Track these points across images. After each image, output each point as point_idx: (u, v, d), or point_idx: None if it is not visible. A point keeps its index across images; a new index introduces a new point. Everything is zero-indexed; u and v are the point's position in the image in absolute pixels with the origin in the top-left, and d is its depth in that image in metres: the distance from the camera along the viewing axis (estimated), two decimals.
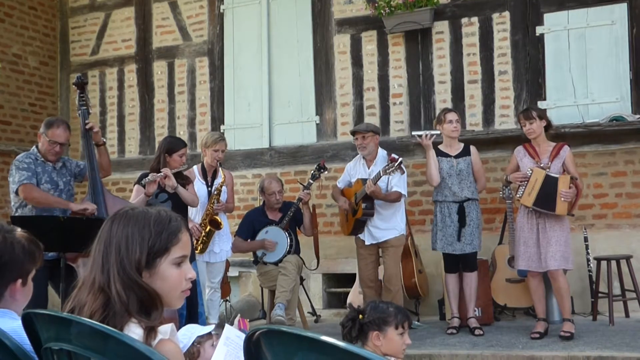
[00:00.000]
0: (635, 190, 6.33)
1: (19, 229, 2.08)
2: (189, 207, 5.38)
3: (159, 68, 8.34)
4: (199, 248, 5.61)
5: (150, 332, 1.59)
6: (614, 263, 5.82)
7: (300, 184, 6.61)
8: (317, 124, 7.55)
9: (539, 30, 6.69)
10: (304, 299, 6.64)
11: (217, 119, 7.99)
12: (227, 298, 6.69)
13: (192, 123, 8.13)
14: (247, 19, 7.90)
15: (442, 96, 7.03)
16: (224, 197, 5.81)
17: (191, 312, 4.94)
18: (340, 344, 1.29)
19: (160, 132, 8.19)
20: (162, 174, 5.04)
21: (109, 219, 1.71)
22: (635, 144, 6.31)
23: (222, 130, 7.80)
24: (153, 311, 1.63)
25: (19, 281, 1.99)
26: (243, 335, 2.40)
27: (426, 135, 5.63)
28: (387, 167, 5.39)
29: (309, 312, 6.70)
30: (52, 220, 4.37)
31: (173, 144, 5.31)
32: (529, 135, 5.36)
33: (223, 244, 5.85)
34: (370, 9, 7.11)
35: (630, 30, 6.39)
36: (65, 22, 8.85)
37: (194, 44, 8.16)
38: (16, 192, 4.73)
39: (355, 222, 5.81)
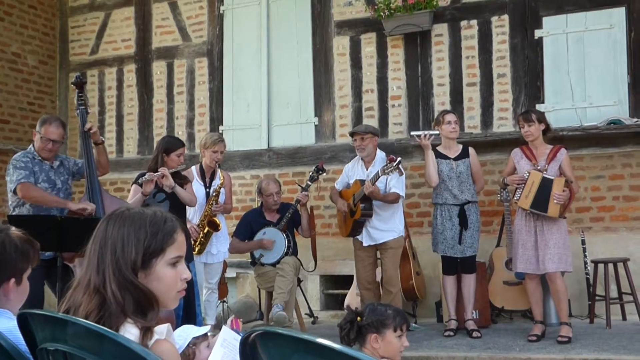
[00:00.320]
0: (632, 193, 6.34)
1: (13, 228, 2.08)
2: (187, 207, 5.38)
3: (158, 68, 8.33)
4: (196, 249, 5.60)
5: (146, 332, 1.58)
6: (611, 266, 5.82)
7: (299, 185, 6.61)
8: (315, 126, 7.55)
9: (537, 33, 6.70)
10: (302, 300, 6.63)
11: (216, 120, 7.99)
12: (225, 299, 6.69)
13: (190, 123, 8.13)
14: (246, 20, 7.90)
15: (441, 98, 7.04)
16: (222, 198, 5.81)
17: (188, 312, 4.93)
18: (337, 346, 1.29)
19: (159, 132, 8.19)
20: (159, 173, 5.03)
21: (104, 219, 1.71)
22: (632, 147, 6.32)
23: (220, 131, 7.80)
24: (149, 311, 1.63)
25: (12, 280, 1.99)
26: (239, 337, 2.40)
27: (425, 136, 5.63)
28: (385, 167, 5.38)
29: (306, 314, 6.69)
30: (49, 220, 4.37)
31: (171, 144, 5.30)
32: (527, 137, 5.37)
33: (220, 245, 5.85)
34: (369, 11, 7.12)
35: (628, 34, 6.40)
36: (65, 21, 8.84)
37: (193, 45, 8.16)
38: (14, 191, 4.72)
39: (354, 223, 5.80)
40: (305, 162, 7.42)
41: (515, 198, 5.33)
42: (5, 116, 8.12)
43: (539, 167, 5.28)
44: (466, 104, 6.94)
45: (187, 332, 2.78)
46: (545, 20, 6.69)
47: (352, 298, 6.29)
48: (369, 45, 7.36)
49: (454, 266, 5.72)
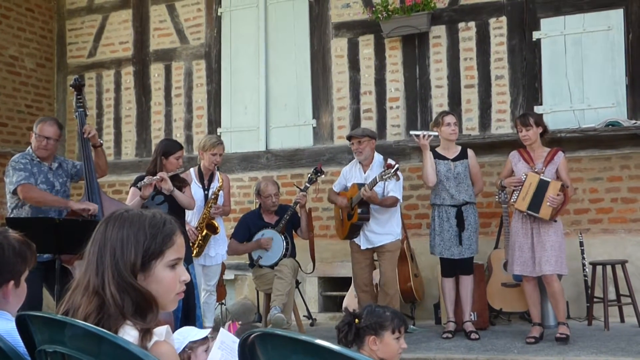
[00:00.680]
0: (630, 195, 6.35)
1: (10, 231, 2.08)
2: (185, 209, 5.38)
3: (156, 70, 8.33)
4: (195, 252, 5.60)
5: (145, 334, 1.58)
6: (609, 268, 5.82)
7: (297, 187, 6.61)
8: (313, 128, 7.55)
9: (535, 35, 6.71)
10: (300, 302, 6.63)
11: (214, 122, 7.99)
12: (223, 301, 6.68)
13: (188, 126, 8.13)
14: (244, 22, 7.90)
15: (439, 100, 7.04)
16: (220, 200, 5.81)
17: (188, 314, 4.92)
18: (335, 347, 1.29)
19: (157, 134, 8.19)
20: (158, 177, 5.03)
21: (104, 221, 1.71)
22: (630, 149, 6.33)
23: (218, 133, 7.80)
24: (148, 313, 1.63)
25: (11, 283, 1.99)
26: (238, 340, 2.40)
27: (424, 136, 5.63)
28: (383, 173, 5.39)
29: (304, 316, 6.69)
30: (47, 222, 4.37)
31: (169, 147, 5.30)
32: (524, 141, 5.38)
33: (219, 248, 5.84)
34: (367, 13, 7.12)
35: (626, 35, 6.41)
36: (63, 24, 8.84)
37: (191, 47, 8.16)
38: (13, 193, 4.72)
39: (351, 226, 5.81)
40: (304, 164, 7.42)
41: (512, 200, 5.34)
42: (3, 119, 8.12)
43: (536, 170, 5.29)
44: (464, 106, 6.94)
45: (185, 336, 2.77)
46: (543, 22, 6.70)
47: (351, 300, 6.29)
48: (366, 47, 7.37)
49: (453, 268, 5.71)
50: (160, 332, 1.61)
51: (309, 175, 6.30)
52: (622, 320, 5.93)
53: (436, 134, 5.70)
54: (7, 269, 1.99)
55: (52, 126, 4.84)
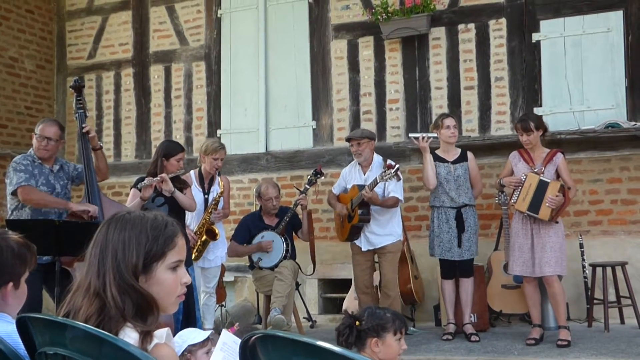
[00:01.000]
0: (630, 196, 6.35)
1: (10, 232, 2.08)
2: (186, 211, 5.37)
3: (156, 72, 8.33)
4: (194, 256, 5.60)
5: (145, 336, 1.58)
6: (609, 269, 5.82)
7: (297, 188, 6.61)
8: (313, 129, 7.55)
9: (535, 37, 6.71)
10: (300, 304, 6.62)
11: (214, 124, 7.99)
12: (223, 303, 6.67)
13: (188, 127, 8.13)
14: (244, 23, 7.90)
15: (439, 102, 7.05)
16: (220, 205, 5.81)
17: (188, 317, 4.92)
18: (337, 349, 1.29)
19: (157, 136, 8.19)
20: (158, 178, 5.03)
21: (105, 222, 1.71)
22: (630, 150, 6.33)
23: (218, 135, 7.80)
24: (149, 316, 1.63)
25: (10, 284, 1.99)
26: (239, 341, 2.40)
27: (423, 138, 5.64)
28: (383, 174, 5.39)
29: (304, 318, 6.69)
30: (47, 224, 4.36)
31: (171, 149, 5.30)
32: (526, 145, 5.39)
33: (218, 250, 5.84)
34: (367, 15, 7.13)
35: (625, 37, 6.41)
36: (62, 25, 8.84)
37: (190, 49, 8.17)
38: (13, 194, 4.72)
39: (352, 228, 5.80)
40: (303, 165, 7.42)
41: (512, 200, 5.34)
42: (3, 121, 8.12)
43: (535, 170, 5.29)
44: (464, 108, 6.95)
45: (185, 339, 2.77)
46: (543, 23, 6.71)
47: (351, 302, 6.29)
48: (366, 49, 7.37)
49: (452, 270, 5.72)
50: (161, 334, 1.61)
51: (309, 177, 6.30)
52: (622, 321, 5.93)
53: (435, 135, 5.70)
54: (5, 270, 1.99)
55: (53, 126, 4.85)
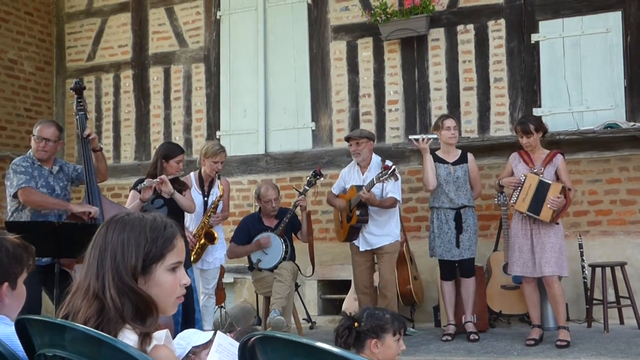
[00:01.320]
0: (629, 197, 6.35)
1: (6, 233, 2.08)
2: (185, 213, 5.38)
3: (155, 74, 8.33)
4: (192, 258, 5.60)
5: (144, 338, 1.58)
6: (608, 270, 5.82)
7: (296, 190, 6.61)
8: (312, 130, 7.55)
9: (534, 37, 6.72)
10: (299, 305, 6.62)
11: (213, 125, 7.99)
12: (222, 304, 6.67)
13: (188, 129, 8.13)
14: (243, 25, 7.91)
15: (438, 103, 7.05)
16: (219, 209, 5.80)
17: (187, 318, 4.93)
18: (336, 350, 1.29)
19: (156, 137, 8.19)
20: (158, 180, 5.03)
21: (104, 224, 1.71)
22: (629, 150, 6.33)
23: (217, 136, 7.81)
24: (148, 317, 1.63)
25: (5, 284, 1.98)
26: (236, 343, 2.39)
27: (423, 139, 5.64)
28: (380, 174, 5.40)
29: (304, 319, 6.68)
30: (46, 226, 4.36)
31: (170, 150, 5.30)
32: (526, 148, 5.39)
33: (217, 252, 5.84)
34: (366, 16, 7.13)
35: (624, 38, 6.42)
36: (62, 27, 8.85)
37: (190, 50, 8.17)
38: (13, 196, 4.72)
39: (350, 228, 5.81)
40: (303, 167, 7.42)
41: (512, 201, 5.34)
42: (3, 123, 8.12)
43: (535, 170, 5.30)
44: (463, 108, 6.95)
45: (188, 341, 2.76)
46: (542, 24, 6.71)
47: (350, 303, 6.29)
48: (365, 50, 7.37)
49: (452, 271, 5.72)
50: (160, 336, 1.61)
51: (308, 178, 6.30)
52: (622, 322, 5.93)
53: (435, 136, 5.71)
54: (0, 270, 1.99)
55: (50, 127, 4.84)
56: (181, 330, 2.94)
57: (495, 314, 6.18)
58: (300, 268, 6.18)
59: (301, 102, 7.62)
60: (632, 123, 6.25)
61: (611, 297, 5.88)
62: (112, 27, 8.56)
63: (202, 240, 5.67)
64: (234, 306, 7.29)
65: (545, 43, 6.70)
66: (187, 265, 4.99)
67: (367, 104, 7.35)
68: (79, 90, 4.98)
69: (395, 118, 7.22)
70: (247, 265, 6.39)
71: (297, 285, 6.23)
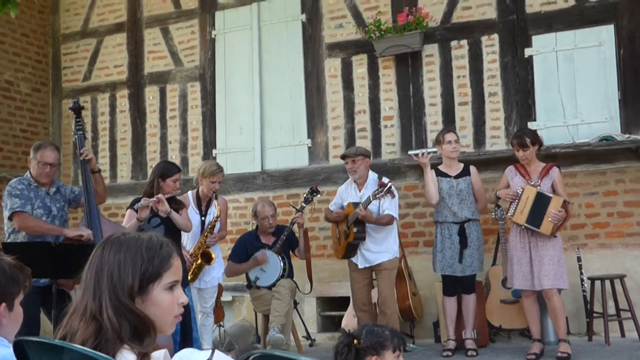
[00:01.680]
0: (626, 209, 6.36)
1: (3, 255, 2.07)
2: (182, 232, 5.36)
3: (151, 93, 8.36)
4: (189, 278, 5.57)
5: (143, 358, 1.57)
6: (608, 283, 5.81)
7: (293, 207, 6.60)
8: (309, 147, 7.56)
9: (527, 52, 6.76)
10: (298, 322, 6.59)
11: (209, 143, 8.00)
12: (221, 323, 6.64)
13: (184, 147, 8.14)
14: (238, 44, 7.94)
15: (433, 118, 7.07)
16: (216, 229, 5.79)
17: (185, 337, 4.89)
18: None
19: (152, 156, 8.19)
20: (154, 199, 5.02)
21: (100, 244, 1.70)
22: (625, 163, 6.35)
23: (214, 154, 7.81)
24: (146, 337, 1.62)
25: (3, 305, 1.97)
26: None
27: (422, 154, 5.66)
28: (376, 192, 5.41)
29: (303, 336, 6.65)
30: (44, 246, 4.35)
31: (167, 169, 5.30)
32: (522, 161, 5.41)
33: (214, 271, 5.83)
34: (360, 33, 7.17)
35: (617, 50, 6.46)
36: (57, 48, 8.88)
37: (185, 69, 8.20)
38: (9, 218, 4.70)
39: (348, 245, 5.80)
40: (299, 184, 7.42)
41: (509, 214, 5.35)
42: None
43: (532, 183, 5.31)
44: (458, 123, 6.97)
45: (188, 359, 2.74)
46: (535, 38, 6.75)
47: (349, 320, 6.26)
48: (360, 67, 7.41)
49: (454, 286, 5.70)
50: (158, 356, 1.60)
51: (305, 195, 6.30)
52: (623, 335, 5.91)
53: (435, 150, 5.73)
54: None
55: (53, 152, 4.83)
56: (179, 350, 2.92)
57: (495, 328, 6.16)
58: (298, 285, 6.15)
59: (297, 119, 7.63)
60: (627, 135, 6.27)
61: (611, 310, 5.87)
62: (107, 47, 8.60)
63: (199, 261, 5.65)
64: (233, 324, 7.25)
65: (538, 57, 6.74)
66: (185, 284, 4.97)
67: (362, 120, 7.37)
68: (77, 109, 4.98)
69: (391, 134, 7.24)
70: (245, 283, 6.36)
71: (295, 303, 6.21)
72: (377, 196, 5.39)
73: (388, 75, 7.28)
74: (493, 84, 6.88)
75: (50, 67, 8.88)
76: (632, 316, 5.70)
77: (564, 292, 5.47)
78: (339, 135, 7.45)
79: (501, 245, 5.98)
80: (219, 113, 7.99)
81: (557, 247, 5.26)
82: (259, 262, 6.01)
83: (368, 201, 5.52)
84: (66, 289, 4.40)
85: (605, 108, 6.47)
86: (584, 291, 6.06)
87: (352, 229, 5.71)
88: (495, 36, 6.89)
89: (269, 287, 5.96)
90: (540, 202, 5.18)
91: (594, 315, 5.86)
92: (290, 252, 6.24)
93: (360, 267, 5.81)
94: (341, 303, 6.82)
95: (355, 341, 2.82)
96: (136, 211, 5.04)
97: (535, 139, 5.43)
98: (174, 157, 8.04)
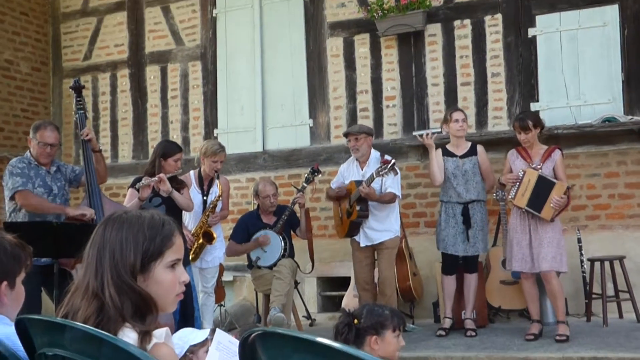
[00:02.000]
0: (628, 191, 6.35)
1: (4, 233, 2.07)
2: (183, 212, 5.37)
3: (152, 73, 8.32)
4: (190, 257, 5.59)
5: (144, 336, 1.58)
6: (607, 264, 5.82)
7: (294, 187, 6.61)
8: (310, 127, 7.54)
9: (531, 32, 6.71)
10: (299, 302, 6.62)
11: (211, 123, 7.98)
12: (222, 303, 6.67)
13: (185, 127, 8.12)
14: (239, 23, 7.89)
15: (435, 98, 7.04)
16: (218, 207, 5.80)
17: (185, 316, 4.92)
18: (337, 345, 1.28)
19: (154, 136, 8.18)
20: (156, 178, 5.02)
21: (102, 223, 1.70)
22: (627, 144, 6.33)
23: (215, 134, 7.79)
24: (148, 315, 1.62)
25: (4, 283, 1.98)
26: (235, 341, 2.39)
27: (427, 135, 5.65)
28: (380, 169, 5.40)
29: (303, 316, 6.69)
30: (45, 226, 4.35)
31: (168, 149, 5.30)
32: (524, 144, 5.39)
33: (215, 251, 5.84)
34: (362, 12, 7.12)
35: (621, 31, 6.41)
36: (57, 27, 8.82)
37: (186, 49, 8.15)
38: (10, 198, 4.71)
39: (351, 224, 5.81)
40: (301, 164, 7.41)
41: (510, 196, 5.34)
42: (0, 124, 8.10)
43: (533, 166, 5.30)
44: (461, 104, 6.93)
45: (185, 340, 2.76)
46: (539, 18, 6.71)
47: (350, 299, 6.29)
48: (362, 46, 7.36)
49: (454, 265, 5.72)
50: (160, 334, 1.60)
51: (306, 175, 6.30)
52: (621, 316, 5.94)
53: (439, 130, 5.73)
54: None
55: (53, 132, 4.82)
56: (179, 329, 2.94)
57: (494, 309, 6.18)
58: (299, 265, 6.18)
59: (298, 99, 7.61)
60: (630, 117, 6.25)
61: (610, 291, 5.88)
62: (108, 26, 8.54)
63: (201, 240, 5.66)
64: (234, 304, 7.29)
65: (542, 37, 6.70)
66: (186, 263, 4.99)
67: (364, 100, 7.34)
68: (78, 89, 4.97)
69: (392, 114, 7.22)
70: (246, 263, 6.38)
71: (296, 283, 6.23)
72: (380, 173, 5.38)
73: (390, 55, 7.24)
74: (496, 64, 6.84)
75: (50, 46, 8.83)
76: (630, 297, 5.72)
77: (564, 273, 5.48)
78: (341, 115, 7.42)
79: (502, 227, 5.98)
80: (220, 93, 7.96)
81: (557, 229, 5.26)
82: (261, 243, 6.02)
83: (371, 178, 5.51)
84: (67, 269, 4.41)
85: (609, 89, 6.44)
86: (583, 272, 6.08)
87: (355, 207, 5.70)
88: (499, 16, 6.84)
89: (270, 267, 5.98)
90: (542, 186, 5.17)
91: (593, 296, 5.88)
92: (292, 232, 6.25)
93: (362, 245, 5.81)
94: (341, 283, 6.85)
95: (356, 321, 2.84)
96: (137, 190, 5.04)
97: (538, 122, 5.41)
98: (175, 137, 8.02)
